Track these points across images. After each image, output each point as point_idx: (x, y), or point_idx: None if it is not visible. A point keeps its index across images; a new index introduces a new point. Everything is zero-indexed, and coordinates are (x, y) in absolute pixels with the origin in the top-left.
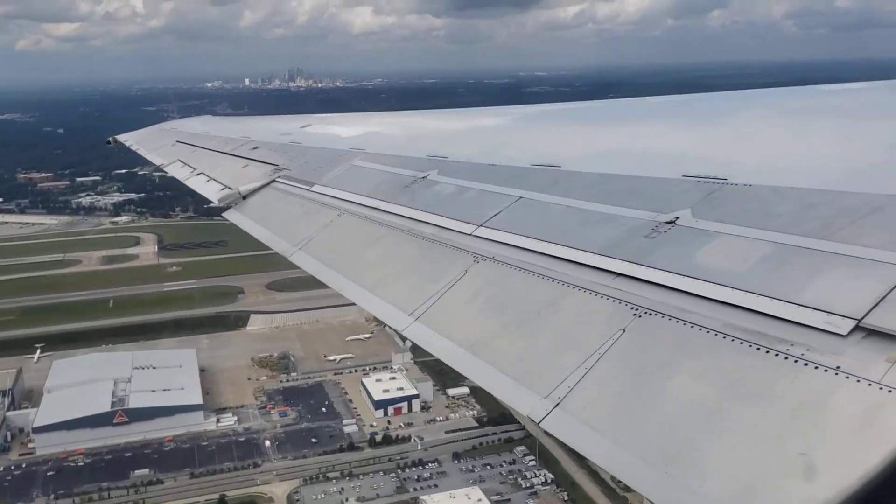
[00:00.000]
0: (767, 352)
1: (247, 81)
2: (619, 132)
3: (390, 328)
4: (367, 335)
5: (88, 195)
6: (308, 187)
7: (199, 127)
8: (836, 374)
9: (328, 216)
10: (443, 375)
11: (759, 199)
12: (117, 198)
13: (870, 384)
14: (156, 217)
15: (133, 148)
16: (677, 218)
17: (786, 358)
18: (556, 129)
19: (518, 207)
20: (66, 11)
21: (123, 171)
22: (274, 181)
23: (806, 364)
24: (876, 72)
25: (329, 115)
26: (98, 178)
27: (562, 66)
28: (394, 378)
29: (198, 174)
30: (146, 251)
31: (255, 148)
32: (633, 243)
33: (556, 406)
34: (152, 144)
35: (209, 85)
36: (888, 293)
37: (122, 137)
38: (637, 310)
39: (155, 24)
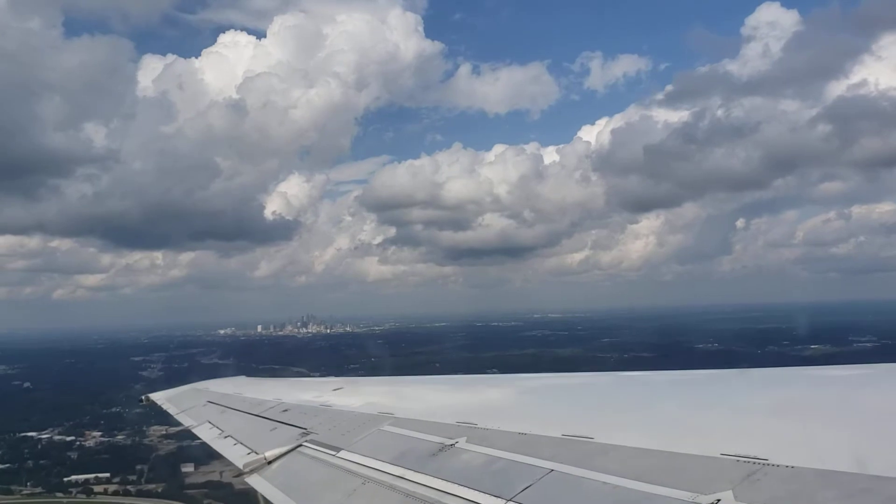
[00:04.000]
0: None
1: (259, 328)
2: (653, 405)
3: None
4: None
5: None
6: (334, 453)
7: (231, 388)
8: None
9: (352, 484)
10: None
11: (803, 482)
12: None
13: None
14: None
15: (164, 407)
16: (719, 500)
17: None
18: (589, 399)
19: (550, 481)
20: (88, 264)
21: (26, 434)
22: (301, 445)
23: None
24: (887, 312)
25: (361, 378)
26: None
27: (576, 308)
28: None
29: (225, 436)
30: None
31: (286, 410)
32: None
33: None
34: (183, 404)
35: (222, 332)
36: None
37: (154, 396)
38: None
39: (176, 273)
